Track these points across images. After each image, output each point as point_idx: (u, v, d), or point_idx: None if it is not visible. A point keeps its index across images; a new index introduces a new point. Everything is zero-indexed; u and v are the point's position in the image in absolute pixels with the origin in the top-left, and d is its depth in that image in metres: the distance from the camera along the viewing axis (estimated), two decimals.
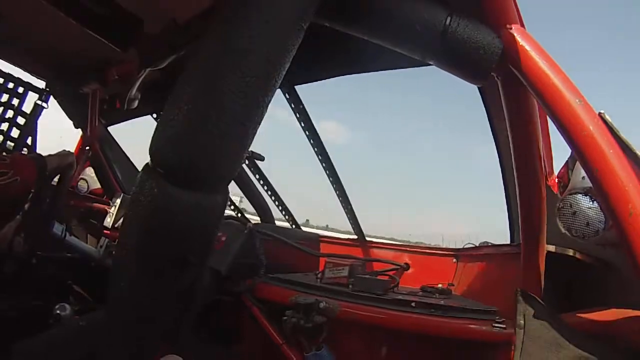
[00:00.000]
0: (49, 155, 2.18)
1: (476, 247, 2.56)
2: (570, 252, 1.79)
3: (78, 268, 2.56)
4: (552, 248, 1.71)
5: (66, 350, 1.74)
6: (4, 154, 3.41)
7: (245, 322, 2.31)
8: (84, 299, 2.42)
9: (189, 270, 1.30)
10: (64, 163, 2.27)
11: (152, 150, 1.20)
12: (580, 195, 1.56)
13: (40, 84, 3.54)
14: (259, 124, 1.25)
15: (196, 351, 1.84)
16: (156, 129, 1.22)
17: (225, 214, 1.47)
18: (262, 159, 3.05)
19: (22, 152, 3.46)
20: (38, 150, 3.49)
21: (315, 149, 3.09)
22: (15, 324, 1.89)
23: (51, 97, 3.60)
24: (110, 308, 1.37)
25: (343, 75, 2.42)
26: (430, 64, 1.47)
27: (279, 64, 1.22)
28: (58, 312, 1.98)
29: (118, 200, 2.93)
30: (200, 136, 1.15)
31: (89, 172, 3.91)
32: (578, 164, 1.60)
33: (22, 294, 2.09)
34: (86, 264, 2.61)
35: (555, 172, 1.87)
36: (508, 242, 2.41)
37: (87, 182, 3.84)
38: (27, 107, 3.55)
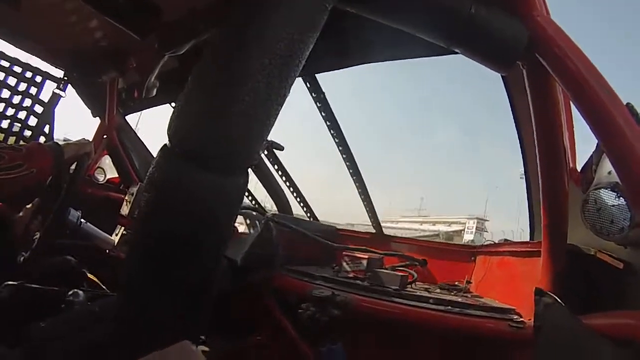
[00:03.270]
0: (66, 143, 2.16)
1: (495, 244, 2.53)
2: (592, 251, 1.75)
3: (92, 255, 2.55)
4: (573, 246, 1.66)
5: (78, 334, 1.73)
6: (21, 142, 3.46)
7: (259, 314, 2.31)
8: (97, 286, 2.41)
9: (207, 255, 1.28)
10: (81, 152, 2.22)
11: (172, 131, 1.19)
12: (606, 190, 1.51)
13: (59, 73, 3.55)
14: (282, 105, 1.24)
15: (209, 341, 1.83)
16: (175, 109, 1.21)
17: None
18: (281, 148, 3.04)
19: (39, 140, 3.48)
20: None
21: (336, 140, 3.07)
22: (27, 309, 1.88)
23: (69, 85, 3.58)
24: (124, 293, 1.36)
25: (365, 63, 2.38)
26: (455, 53, 1.45)
27: (303, 45, 1.21)
28: (71, 298, 1.97)
29: (135, 189, 2.92)
30: (223, 116, 1.15)
31: (106, 160, 3.92)
32: (603, 158, 1.56)
33: (34, 279, 2.08)
34: (101, 251, 2.61)
35: (579, 167, 1.83)
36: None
37: (104, 170, 3.86)
38: (45, 96, 3.55)
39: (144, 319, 1.31)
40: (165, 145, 1.21)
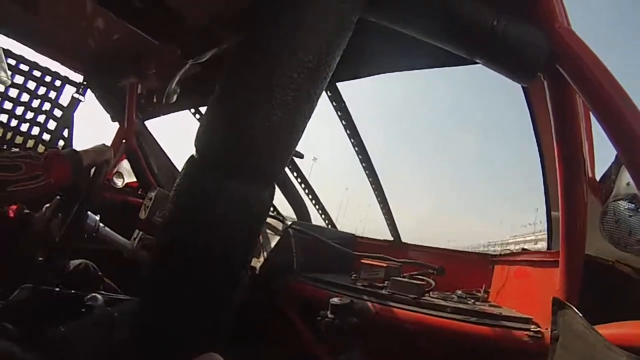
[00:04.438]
0: (85, 150, 2.13)
1: (513, 253, 2.53)
2: (610, 262, 1.75)
3: (110, 259, 2.57)
4: (591, 256, 1.67)
5: (98, 339, 1.75)
6: (40, 146, 3.50)
7: (277, 321, 2.32)
8: (114, 290, 2.43)
9: (231, 266, 1.29)
10: (100, 159, 2.21)
11: (199, 142, 1.21)
12: (624, 202, 1.52)
13: (78, 77, 3.60)
14: (309, 117, 1.26)
15: (228, 349, 1.84)
16: (203, 119, 1.23)
17: None
18: (301, 156, 3.05)
19: (58, 145, 3.52)
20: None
21: (356, 149, 3.11)
22: (45, 311, 1.90)
23: (88, 90, 3.63)
24: (145, 300, 1.37)
25: (387, 72, 2.40)
26: (476, 63, 1.46)
27: (330, 58, 1.23)
28: (90, 303, 1.99)
29: (153, 194, 2.93)
30: (251, 128, 1.16)
31: (125, 165, 3.96)
32: (622, 169, 1.57)
33: (52, 282, 2.10)
34: (119, 255, 2.62)
35: (597, 178, 1.83)
36: None
37: (122, 175, 3.89)
38: (65, 100, 3.61)
39: (166, 327, 1.32)
40: (192, 156, 1.23)
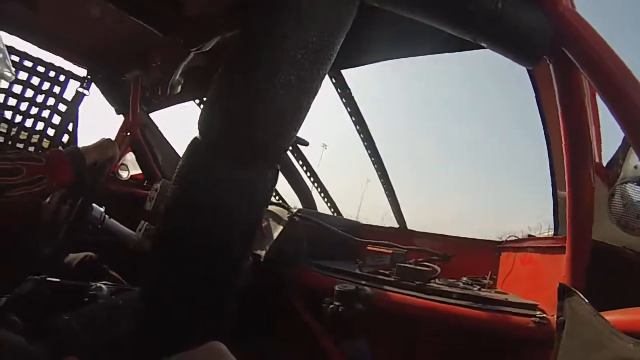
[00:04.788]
0: (88, 147, 2.04)
1: (519, 239, 2.52)
2: (617, 247, 1.74)
3: (115, 251, 2.58)
4: (597, 242, 1.66)
5: (106, 327, 1.75)
6: (45, 140, 3.52)
7: (281, 309, 2.33)
8: (118, 281, 2.43)
9: (234, 250, 1.29)
10: (104, 157, 2.11)
11: (201, 124, 1.21)
12: (632, 184, 1.51)
13: (82, 71, 3.62)
14: (313, 98, 1.25)
15: (231, 337, 1.84)
16: (206, 102, 1.23)
17: None
18: (306, 144, 3.04)
19: (62, 139, 3.54)
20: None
21: (361, 135, 3.12)
22: (50, 302, 1.90)
23: (92, 84, 3.66)
24: (148, 287, 1.37)
25: (391, 59, 2.39)
26: (481, 47, 1.46)
27: (334, 39, 1.23)
28: (94, 292, 2.00)
29: (158, 185, 2.94)
30: (253, 110, 1.15)
31: (130, 157, 3.97)
32: (630, 152, 1.56)
33: (57, 274, 2.10)
34: (124, 247, 2.63)
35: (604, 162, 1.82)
36: None
37: (127, 167, 3.92)
38: (69, 95, 3.64)
39: (168, 314, 1.32)
40: (195, 138, 1.22)
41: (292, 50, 1.15)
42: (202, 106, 3.68)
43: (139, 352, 1.42)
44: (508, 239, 2.61)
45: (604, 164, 1.79)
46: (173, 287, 1.27)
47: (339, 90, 2.87)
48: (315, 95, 1.25)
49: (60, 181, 1.76)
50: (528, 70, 1.93)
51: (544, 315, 1.70)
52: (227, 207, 1.22)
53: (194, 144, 1.21)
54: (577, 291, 1.34)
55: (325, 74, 1.24)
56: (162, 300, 1.29)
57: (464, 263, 2.61)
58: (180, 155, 1.29)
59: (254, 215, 1.31)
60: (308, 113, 1.26)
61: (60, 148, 2.66)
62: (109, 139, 2.16)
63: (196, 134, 1.29)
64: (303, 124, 1.30)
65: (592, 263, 1.58)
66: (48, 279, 2.00)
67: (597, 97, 1.63)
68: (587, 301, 1.27)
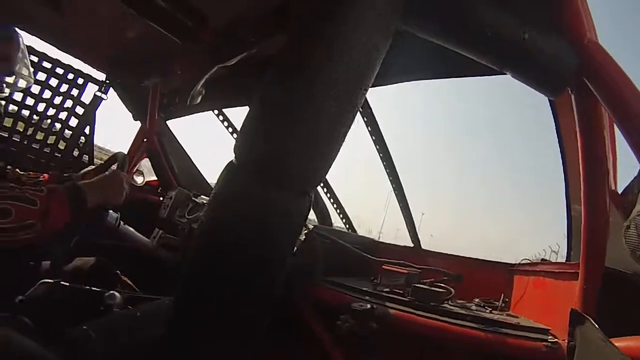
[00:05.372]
0: (93, 183, 1.91)
1: (532, 263, 2.52)
2: (629, 273, 1.75)
3: (128, 258, 2.60)
4: (610, 269, 1.67)
5: (125, 338, 1.77)
6: (60, 144, 3.56)
7: (296, 323, 2.33)
8: (130, 288, 2.45)
9: (268, 273, 1.31)
10: (109, 200, 2.00)
11: (239, 148, 1.22)
12: None
13: (101, 75, 3.68)
14: (350, 127, 1.26)
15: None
16: (243, 126, 1.24)
17: None
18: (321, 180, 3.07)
19: (79, 142, 3.57)
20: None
21: (381, 155, 3.17)
22: (62, 308, 1.92)
23: (111, 89, 3.72)
24: (180, 303, 1.38)
25: (415, 80, 2.41)
26: (505, 73, 1.48)
27: (370, 68, 1.24)
28: (109, 302, 2.01)
29: (173, 193, 2.98)
30: (294, 136, 1.17)
31: (145, 163, 4.00)
32: None
33: (69, 278, 2.12)
34: (137, 254, 2.65)
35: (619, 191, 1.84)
36: None
37: (143, 173, 3.94)
38: (87, 98, 3.71)
39: (200, 330, 1.33)
40: (231, 162, 1.24)
41: (332, 80, 1.17)
42: (222, 122, 3.73)
43: None
44: (521, 262, 2.61)
45: (620, 192, 1.81)
46: (208, 306, 1.28)
47: (360, 109, 2.87)
48: (352, 123, 1.26)
49: (53, 228, 1.61)
50: (549, 100, 1.95)
51: (556, 340, 1.70)
52: (263, 232, 1.23)
53: (230, 167, 1.23)
54: (588, 317, 1.35)
55: (362, 102, 1.26)
56: (195, 317, 1.31)
57: (477, 284, 2.61)
58: (196, 164, 1.31)
59: (288, 241, 1.32)
60: (343, 143, 1.28)
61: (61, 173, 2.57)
62: (118, 172, 2.09)
63: (229, 155, 1.31)
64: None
65: (603, 289, 1.60)
66: (61, 283, 2.02)
67: (615, 127, 1.65)
68: (597, 327, 1.28)
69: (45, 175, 2.43)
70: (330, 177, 3.65)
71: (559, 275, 2.08)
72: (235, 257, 1.23)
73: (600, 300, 1.59)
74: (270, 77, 1.25)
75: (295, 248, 2.40)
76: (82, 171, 2.54)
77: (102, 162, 2.53)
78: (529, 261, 2.56)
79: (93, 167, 2.54)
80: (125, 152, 2.54)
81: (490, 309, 2.27)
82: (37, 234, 1.52)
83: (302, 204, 1.28)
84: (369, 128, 3.02)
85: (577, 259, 1.81)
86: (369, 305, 1.90)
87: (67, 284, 2.04)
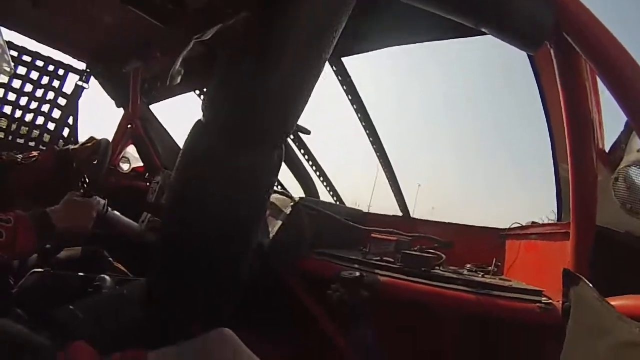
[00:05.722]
0: (59, 209, 1.86)
1: (522, 226, 2.53)
2: (621, 232, 1.75)
3: (116, 243, 2.59)
4: (601, 228, 1.67)
5: (111, 316, 1.76)
6: (45, 137, 3.54)
7: (285, 297, 2.33)
8: (122, 273, 2.45)
9: (240, 235, 1.29)
10: (78, 225, 1.96)
11: (205, 106, 1.20)
12: (636, 168, 1.52)
13: (81, 65, 3.62)
14: (316, 81, 1.24)
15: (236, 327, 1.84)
16: (210, 84, 1.22)
17: None
18: (308, 132, 3.05)
19: (62, 133, 3.56)
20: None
21: (363, 123, 3.14)
22: (53, 295, 1.91)
23: (92, 77, 3.66)
24: (153, 276, 1.37)
25: (391, 46, 2.39)
26: (482, 34, 1.46)
27: (336, 21, 1.22)
28: (98, 283, 2.00)
29: (160, 177, 2.96)
30: (258, 90, 1.15)
31: (131, 150, 3.99)
32: (633, 136, 1.57)
33: (60, 267, 2.11)
34: (126, 238, 2.64)
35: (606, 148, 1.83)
36: None
37: (128, 160, 3.93)
38: (68, 89, 3.67)
39: (173, 302, 1.32)
40: (199, 120, 1.22)
41: (296, 33, 1.15)
42: (205, 89, 3.70)
43: (144, 340, 1.43)
44: (511, 226, 2.62)
45: (607, 150, 1.81)
46: (178, 275, 1.26)
47: (339, 77, 2.87)
48: (318, 78, 1.25)
49: (21, 255, 1.67)
50: (529, 56, 1.94)
51: (550, 301, 1.70)
52: (233, 190, 1.21)
53: (197, 127, 1.20)
54: (581, 277, 1.35)
55: (327, 56, 1.24)
56: (166, 289, 1.29)
57: (468, 250, 2.62)
58: (181, 146, 1.28)
59: (260, 199, 1.30)
60: (310, 96, 1.26)
61: (56, 146, 2.57)
62: (91, 200, 2.08)
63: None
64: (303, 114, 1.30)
65: (596, 249, 1.59)
66: (51, 271, 2.01)
67: (599, 84, 1.64)
68: (591, 286, 1.28)
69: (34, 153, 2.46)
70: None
71: (550, 237, 2.07)
72: (204, 220, 1.21)
73: (593, 260, 1.58)
74: (237, 36, 1.23)
75: (282, 221, 2.40)
76: (78, 145, 2.57)
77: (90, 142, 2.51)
78: (519, 225, 2.56)
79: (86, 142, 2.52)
80: (110, 140, 2.51)
81: (482, 274, 2.27)
82: (5, 261, 1.60)
83: (271, 159, 1.26)
84: (349, 97, 2.97)
85: (567, 219, 1.80)
86: (358, 273, 1.90)
87: (58, 272, 2.03)
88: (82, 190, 2.08)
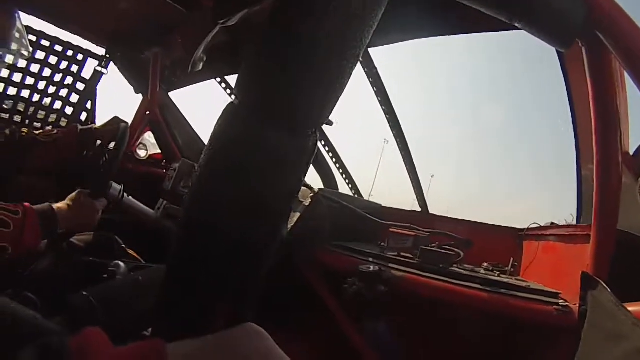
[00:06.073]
0: (64, 208, 1.89)
1: (541, 227, 2.51)
2: None
3: (133, 229, 2.60)
4: (623, 232, 1.65)
5: (125, 303, 1.76)
6: (62, 122, 3.55)
7: (302, 288, 2.33)
8: (136, 260, 2.45)
9: (270, 223, 1.27)
10: (80, 221, 2.01)
11: (241, 87, 1.18)
12: None
13: (100, 50, 3.66)
14: (355, 65, 1.23)
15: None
16: (244, 65, 1.21)
17: None
18: (330, 123, 3.05)
19: (80, 118, 3.57)
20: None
21: (387, 116, 3.14)
22: (68, 280, 1.91)
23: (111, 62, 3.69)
24: (176, 263, 1.36)
25: (421, 38, 2.37)
26: (514, 28, 1.45)
27: (376, 6, 1.20)
28: (113, 269, 2.00)
29: (177, 165, 2.97)
30: (297, 71, 1.13)
31: (148, 136, 4.00)
32: None
33: (72, 251, 2.12)
34: (140, 225, 2.65)
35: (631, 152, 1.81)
36: None
37: (146, 147, 3.95)
38: (87, 74, 3.71)
39: (197, 289, 1.30)
40: (231, 103, 1.21)
41: (336, 15, 1.13)
42: (224, 90, 3.71)
43: (160, 330, 1.42)
44: (530, 227, 2.60)
45: (632, 153, 1.79)
46: (202, 263, 1.25)
47: (365, 69, 2.88)
48: (357, 61, 1.23)
49: (26, 250, 1.65)
50: (558, 54, 1.92)
51: (567, 304, 1.69)
52: (267, 175, 1.19)
53: (230, 109, 1.19)
54: (600, 281, 1.34)
55: (367, 42, 1.22)
56: (190, 276, 1.28)
57: (485, 249, 2.60)
58: (200, 135, 1.27)
59: (293, 186, 1.28)
60: (347, 84, 1.24)
61: (77, 125, 2.59)
62: (91, 211, 2.07)
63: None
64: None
65: (616, 253, 1.58)
66: (65, 256, 2.01)
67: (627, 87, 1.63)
68: (609, 291, 1.26)
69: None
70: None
71: (569, 239, 2.06)
72: (232, 205, 1.19)
73: (612, 265, 1.57)
74: (271, 19, 1.22)
75: (301, 212, 2.39)
76: (99, 124, 2.58)
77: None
78: (538, 225, 2.54)
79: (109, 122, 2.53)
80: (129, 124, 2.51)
81: (498, 273, 2.27)
82: (11, 256, 1.55)
83: (305, 144, 1.24)
84: (375, 89, 2.98)
85: (587, 221, 1.79)
86: (376, 268, 1.89)
87: (71, 257, 2.04)
88: (90, 189, 2.06)
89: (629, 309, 1.16)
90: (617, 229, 1.60)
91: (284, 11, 1.19)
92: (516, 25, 1.41)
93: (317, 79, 1.15)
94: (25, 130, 2.44)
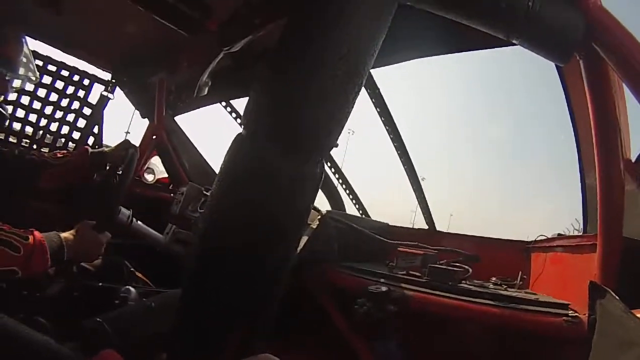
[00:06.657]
0: (70, 239, 1.87)
1: (548, 239, 2.51)
2: None
3: (142, 254, 2.61)
4: (629, 240, 1.65)
5: (138, 329, 1.78)
6: (70, 145, 3.58)
7: (312, 309, 2.33)
8: (145, 284, 2.46)
9: (282, 247, 1.28)
10: (86, 253, 1.99)
11: (248, 119, 1.20)
12: None
13: (106, 75, 3.71)
14: (359, 93, 1.25)
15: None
16: (251, 97, 1.23)
17: None
18: (335, 145, 3.06)
19: (87, 142, 3.59)
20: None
21: (391, 136, 3.15)
22: (79, 305, 1.93)
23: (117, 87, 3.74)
24: (190, 288, 1.37)
25: (422, 57, 2.39)
26: (512, 44, 1.47)
27: (377, 35, 1.23)
28: (125, 295, 2.02)
29: (184, 189, 2.98)
30: (303, 100, 1.15)
31: (155, 161, 4.02)
32: None
33: (85, 277, 2.13)
34: (150, 251, 2.66)
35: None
36: None
37: (153, 171, 3.96)
38: (94, 99, 3.73)
39: (211, 314, 1.31)
40: (239, 134, 1.23)
41: (339, 49, 1.16)
42: (230, 114, 3.74)
43: (173, 355, 1.43)
44: (537, 239, 2.60)
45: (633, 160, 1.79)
46: (216, 287, 1.26)
47: (368, 90, 2.90)
48: (360, 90, 1.26)
49: (33, 274, 1.65)
50: (557, 67, 1.94)
51: (576, 314, 1.69)
52: (278, 202, 1.21)
53: (240, 139, 1.21)
54: (608, 289, 1.34)
55: (369, 69, 1.25)
56: (203, 301, 1.29)
57: (493, 263, 2.61)
58: (207, 159, 1.29)
59: (303, 212, 1.30)
60: (352, 109, 1.27)
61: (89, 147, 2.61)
62: (96, 238, 2.04)
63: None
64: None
65: (623, 260, 1.58)
66: (76, 281, 2.03)
67: (626, 95, 1.64)
68: (618, 299, 1.26)
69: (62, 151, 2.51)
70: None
71: (576, 249, 2.06)
72: (246, 231, 1.21)
73: (620, 272, 1.57)
74: (277, 48, 1.24)
75: (310, 234, 2.40)
76: (113, 147, 2.59)
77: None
78: (545, 237, 2.54)
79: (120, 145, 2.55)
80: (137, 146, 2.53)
81: (507, 287, 2.26)
82: (20, 278, 1.58)
83: (313, 171, 1.26)
84: (378, 109, 2.99)
85: (593, 230, 1.79)
86: (385, 288, 1.89)
87: (83, 281, 2.05)
88: (96, 221, 2.06)
89: (638, 315, 1.17)
90: (624, 236, 1.60)
91: (289, 42, 1.22)
92: (514, 42, 1.43)
93: (323, 106, 1.18)
94: (35, 153, 2.47)
